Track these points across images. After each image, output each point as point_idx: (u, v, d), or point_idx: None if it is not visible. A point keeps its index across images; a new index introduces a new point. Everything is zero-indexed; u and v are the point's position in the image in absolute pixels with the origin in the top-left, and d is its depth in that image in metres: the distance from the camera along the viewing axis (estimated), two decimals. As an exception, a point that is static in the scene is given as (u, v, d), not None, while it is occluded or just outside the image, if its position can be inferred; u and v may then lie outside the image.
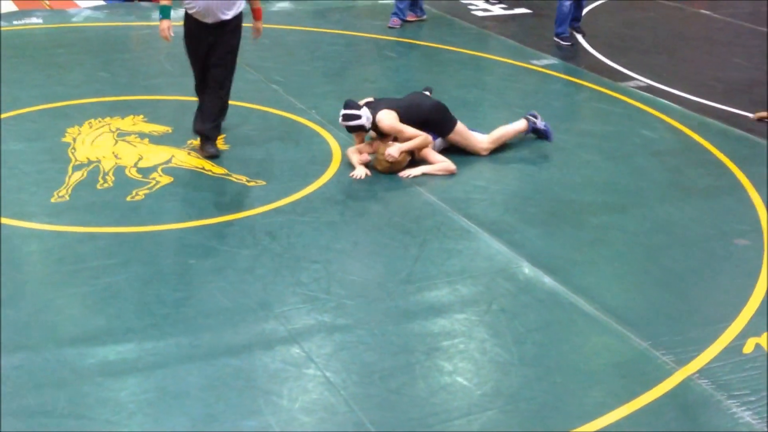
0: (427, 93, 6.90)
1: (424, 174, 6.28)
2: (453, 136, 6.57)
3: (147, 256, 5.09)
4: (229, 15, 6.34)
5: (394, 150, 6.20)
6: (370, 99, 6.66)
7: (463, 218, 5.68)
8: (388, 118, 6.30)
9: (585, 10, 11.54)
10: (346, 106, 6.34)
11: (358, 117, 6.26)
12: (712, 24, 11.33)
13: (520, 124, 6.87)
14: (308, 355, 4.27)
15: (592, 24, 10.98)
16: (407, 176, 6.23)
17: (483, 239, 5.45)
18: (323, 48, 9.51)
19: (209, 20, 6.27)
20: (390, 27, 10.29)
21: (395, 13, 10.39)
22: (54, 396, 3.89)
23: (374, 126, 6.32)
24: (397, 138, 6.32)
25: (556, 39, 10.05)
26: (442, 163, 6.34)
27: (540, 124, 6.95)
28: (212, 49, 6.40)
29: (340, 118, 6.36)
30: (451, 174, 6.31)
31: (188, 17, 6.41)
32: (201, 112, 6.53)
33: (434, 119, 6.50)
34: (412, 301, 4.77)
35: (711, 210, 5.98)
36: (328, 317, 4.58)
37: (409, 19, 10.48)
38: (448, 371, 4.22)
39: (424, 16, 10.67)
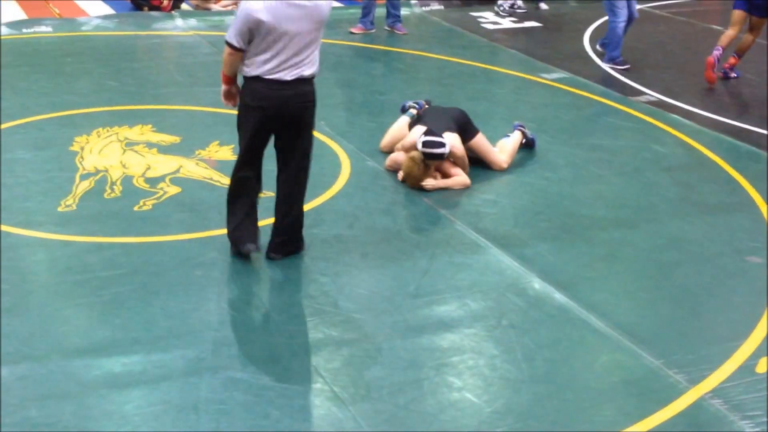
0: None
1: (445, 187, 6.25)
2: (474, 145, 6.53)
3: (154, 267, 5.05)
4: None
5: (431, 184, 6.19)
6: (415, 105, 6.72)
7: (472, 232, 5.63)
8: (460, 146, 6.29)
9: (595, 24, 11.53)
10: (429, 133, 6.18)
11: (443, 145, 6.13)
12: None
13: (518, 134, 6.87)
14: (316, 369, 4.22)
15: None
16: (431, 187, 6.19)
17: (493, 253, 5.40)
18: (332, 59, 9.48)
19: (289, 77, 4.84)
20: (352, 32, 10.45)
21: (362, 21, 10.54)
22: (58, 408, 3.84)
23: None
24: (454, 161, 6.29)
25: (610, 64, 9.63)
26: (460, 177, 6.32)
27: (528, 132, 6.98)
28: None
29: (422, 145, 6.10)
30: (465, 187, 6.29)
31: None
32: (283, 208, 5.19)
33: (463, 122, 6.50)
34: (421, 315, 4.72)
35: (723, 226, 5.92)
36: (336, 331, 4.53)
37: (355, 31, 10.47)
38: (458, 387, 4.16)
39: (373, 30, 10.62)
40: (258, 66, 4.80)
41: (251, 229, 5.12)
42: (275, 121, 4.91)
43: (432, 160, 6.13)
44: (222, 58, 4.95)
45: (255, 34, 4.71)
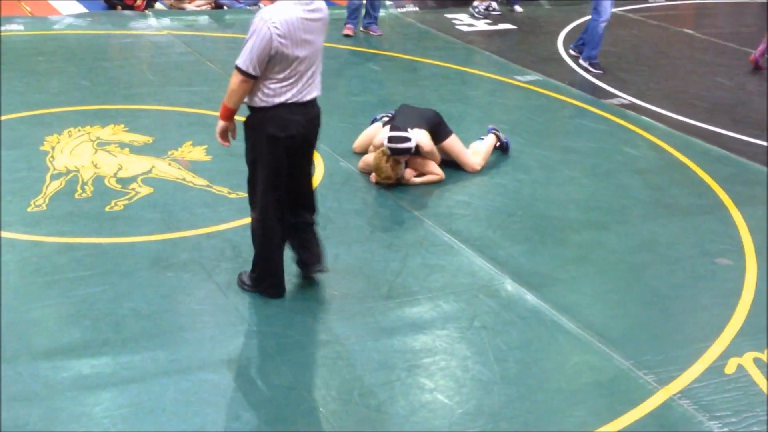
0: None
1: (421, 183, 6.35)
2: (447, 147, 6.55)
3: (125, 268, 5.01)
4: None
5: (409, 177, 6.31)
6: (388, 115, 6.72)
7: (445, 233, 5.64)
8: (428, 142, 6.31)
9: (569, 27, 11.60)
10: (394, 129, 6.22)
11: (408, 140, 6.14)
12: (695, 43, 11.39)
13: (492, 139, 6.90)
14: (288, 372, 4.20)
15: (576, 41, 11.01)
16: (410, 182, 6.32)
17: (465, 255, 5.41)
18: (307, 60, 9.46)
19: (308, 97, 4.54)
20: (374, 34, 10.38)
21: (370, 23, 10.51)
22: (26, 411, 3.80)
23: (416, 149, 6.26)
24: (424, 156, 6.33)
25: (584, 63, 9.75)
26: (434, 176, 6.39)
27: (502, 136, 7.02)
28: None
29: (387, 140, 6.14)
30: (440, 180, 6.37)
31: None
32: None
33: (436, 123, 6.52)
34: (393, 316, 4.72)
35: (693, 229, 5.97)
36: (308, 333, 4.52)
37: (349, 33, 10.46)
38: (429, 389, 4.16)
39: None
40: (284, 92, 4.38)
41: (281, 276, 4.79)
42: (299, 147, 4.55)
43: (399, 155, 6.15)
44: (229, 87, 4.42)
45: (275, 59, 4.30)
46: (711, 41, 11.45)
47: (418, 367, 4.31)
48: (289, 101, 4.41)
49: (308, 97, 4.48)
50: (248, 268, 5.07)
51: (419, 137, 6.26)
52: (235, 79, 4.37)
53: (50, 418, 3.78)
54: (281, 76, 4.36)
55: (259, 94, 4.40)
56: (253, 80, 4.35)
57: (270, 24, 4.23)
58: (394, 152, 6.13)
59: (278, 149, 4.49)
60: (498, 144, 6.97)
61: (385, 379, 4.20)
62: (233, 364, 4.22)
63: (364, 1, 10.65)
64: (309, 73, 4.44)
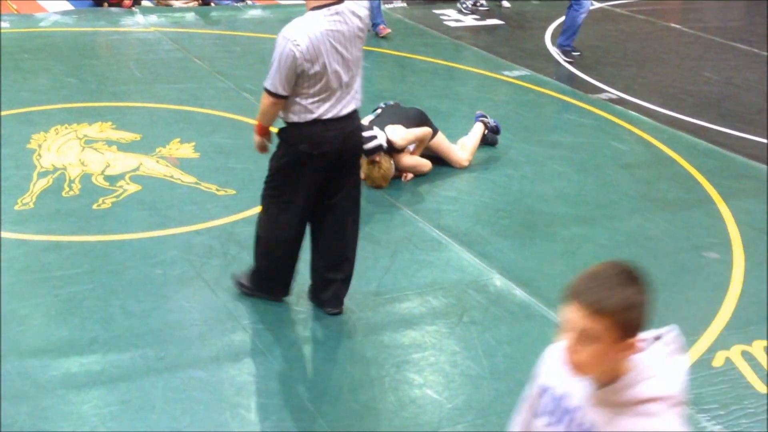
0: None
1: (411, 166, 6.41)
2: (434, 145, 6.55)
3: (113, 266, 5.00)
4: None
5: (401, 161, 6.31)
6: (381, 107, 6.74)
7: (434, 229, 5.65)
8: (403, 135, 6.28)
9: (556, 22, 11.61)
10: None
11: (374, 137, 6.10)
12: (682, 38, 11.42)
13: (479, 128, 6.90)
14: (276, 367, 4.20)
15: (564, 36, 11.02)
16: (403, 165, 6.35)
17: (454, 251, 5.41)
18: (295, 56, 9.45)
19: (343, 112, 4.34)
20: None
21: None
22: (15, 410, 3.79)
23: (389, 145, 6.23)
24: (401, 151, 6.33)
25: (560, 50, 9.90)
26: (425, 166, 6.41)
27: (491, 121, 7.02)
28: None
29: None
30: (427, 171, 6.44)
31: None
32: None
33: (420, 121, 6.52)
34: (382, 312, 4.72)
35: (681, 223, 5.99)
36: (298, 329, 4.52)
37: (384, 32, 10.37)
38: (419, 384, 4.17)
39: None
40: (317, 108, 4.19)
41: (287, 281, 4.63)
42: (334, 164, 4.34)
43: (371, 155, 6.12)
44: (260, 108, 4.33)
45: (303, 76, 4.13)
46: (698, 36, 11.48)
47: (407, 362, 4.32)
48: (324, 117, 4.21)
49: (345, 111, 4.27)
50: (237, 265, 5.07)
51: (391, 133, 6.24)
52: (266, 101, 4.24)
53: (39, 416, 3.77)
54: (312, 91, 4.17)
55: (293, 110, 4.23)
56: (283, 99, 4.20)
57: (291, 43, 4.07)
58: (365, 153, 6.10)
59: (309, 167, 4.28)
60: (486, 131, 6.95)
61: (375, 375, 4.20)
62: (222, 362, 4.22)
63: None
64: (344, 86, 4.23)
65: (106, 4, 10.97)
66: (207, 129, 7.10)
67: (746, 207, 6.25)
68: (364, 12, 4.31)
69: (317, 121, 4.22)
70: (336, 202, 4.45)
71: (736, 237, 5.78)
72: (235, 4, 11.47)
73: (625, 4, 13.13)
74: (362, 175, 6.22)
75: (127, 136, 6.83)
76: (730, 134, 7.79)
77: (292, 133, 4.31)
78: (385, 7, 11.76)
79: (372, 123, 6.41)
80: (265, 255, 4.57)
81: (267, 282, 4.64)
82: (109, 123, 7.06)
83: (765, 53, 10.65)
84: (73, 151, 6.48)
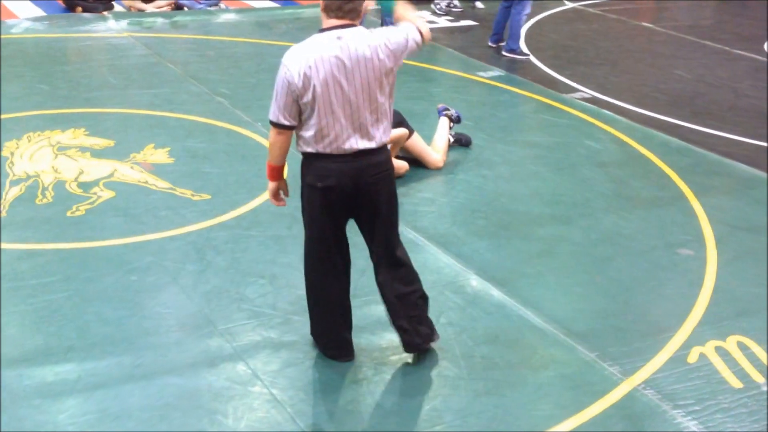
0: None
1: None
2: (410, 146, 6.56)
3: (88, 273, 4.97)
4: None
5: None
6: None
7: (410, 231, 5.65)
8: None
9: (530, 23, 11.67)
10: None
11: None
12: (654, 37, 11.52)
13: (445, 123, 6.93)
14: (254, 372, 4.19)
15: (537, 37, 11.09)
16: None
17: (431, 252, 5.42)
18: (269, 60, 9.43)
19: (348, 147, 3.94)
20: None
21: None
22: (-11, 420, 3.76)
23: None
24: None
25: (510, 54, 10.02)
26: (401, 168, 6.39)
27: (453, 112, 7.05)
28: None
29: None
30: (403, 173, 6.39)
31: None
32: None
33: (395, 122, 6.52)
34: (359, 315, 4.70)
35: (655, 220, 6.04)
36: (275, 333, 4.51)
37: None
38: (397, 386, 4.17)
39: None
40: (317, 141, 3.87)
41: (341, 339, 4.31)
42: (348, 201, 4.01)
43: None
44: (268, 142, 4.05)
45: (302, 103, 3.83)
46: (670, 34, 11.58)
47: (384, 364, 4.32)
48: (324, 151, 3.89)
49: (348, 147, 3.87)
50: (213, 271, 5.06)
51: None
52: (271, 132, 3.95)
53: (14, 427, 3.73)
54: (311, 122, 3.84)
55: (299, 141, 3.96)
56: (289, 130, 3.90)
57: (285, 67, 3.82)
58: None
59: (316, 200, 3.99)
60: (452, 125, 6.98)
61: (353, 378, 4.20)
62: (199, 367, 4.20)
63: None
64: (348, 121, 3.85)
65: (79, 8, 10.91)
66: (181, 134, 7.08)
67: (719, 204, 6.31)
68: (379, 41, 3.87)
69: (320, 155, 3.92)
70: (373, 249, 4.21)
71: (709, 233, 5.83)
72: (208, 8, 11.43)
73: (598, 4, 13.22)
74: None
75: (100, 142, 6.79)
76: (702, 131, 7.86)
77: (303, 163, 4.01)
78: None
79: None
80: (309, 303, 4.31)
81: (315, 333, 4.34)
82: (83, 129, 7.01)
83: (735, 51, 10.76)
84: (46, 158, 6.43)
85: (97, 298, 4.73)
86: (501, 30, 10.33)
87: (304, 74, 3.77)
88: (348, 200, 4.00)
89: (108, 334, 4.42)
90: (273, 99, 3.90)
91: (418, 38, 4.06)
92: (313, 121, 3.84)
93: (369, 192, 4.00)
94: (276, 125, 3.89)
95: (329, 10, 3.88)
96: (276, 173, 4.07)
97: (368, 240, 4.21)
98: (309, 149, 3.92)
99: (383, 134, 3.97)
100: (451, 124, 7.02)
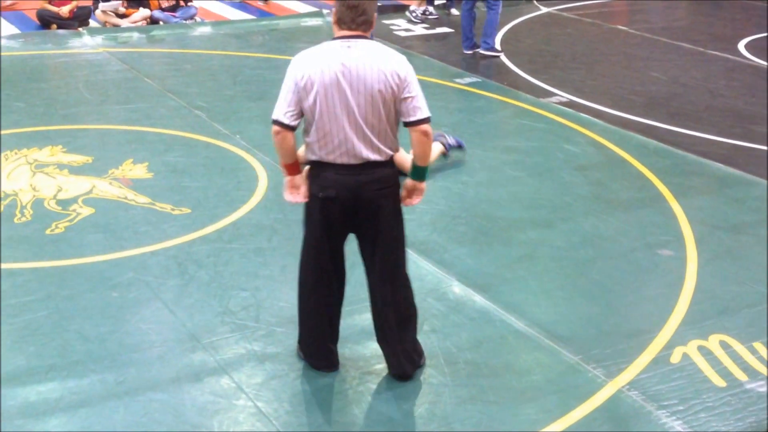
0: None
1: None
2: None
3: (68, 291, 4.94)
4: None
5: None
6: None
7: (391, 239, 5.65)
8: None
9: (505, 29, 11.73)
10: None
11: None
12: (629, 39, 11.60)
13: (438, 149, 6.87)
14: (238, 385, 4.18)
15: (513, 42, 11.15)
16: None
17: (412, 259, 5.41)
18: (246, 72, 9.44)
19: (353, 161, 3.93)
20: None
21: None
22: (-28, 442, 3.73)
23: None
24: None
25: (486, 53, 10.25)
26: None
27: (452, 140, 6.95)
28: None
29: None
30: None
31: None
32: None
33: None
34: (343, 324, 4.67)
35: (635, 222, 6.07)
36: (258, 346, 4.50)
37: None
38: (382, 395, 4.17)
39: None
40: (317, 149, 3.89)
41: (326, 349, 4.29)
42: (348, 215, 3.98)
43: None
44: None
45: (305, 106, 3.83)
46: (644, 36, 11.67)
47: (369, 373, 4.31)
48: (327, 159, 3.88)
49: (344, 160, 3.87)
50: (195, 285, 5.05)
51: None
52: (272, 132, 3.89)
53: (-3, 448, 3.71)
54: (315, 127, 3.84)
55: (307, 147, 3.95)
56: (287, 130, 3.84)
57: (292, 67, 3.85)
58: None
59: (316, 211, 3.99)
60: (445, 152, 6.91)
61: (338, 388, 4.19)
62: (183, 382, 4.18)
63: None
64: (354, 128, 3.82)
65: (54, 25, 10.87)
66: (160, 148, 7.06)
67: (697, 204, 6.35)
68: (392, 61, 3.84)
69: (322, 162, 3.91)
70: (370, 267, 4.14)
71: (689, 234, 5.87)
72: (184, 22, 11.41)
73: (573, 8, 13.31)
74: None
75: (78, 159, 6.76)
76: (679, 132, 7.92)
77: (307, 174, 4.02)
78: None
79: None
80: (299, 313, 4.29)
81: (302, 340, 4.33)
82: (60, 146, 6.98)
83: (710, 51, 10.86)
84: (23, 176, 6.40)
85: (78, 315, 4.70)
86: (472, 34, 10.43)
87: (309, 77, 3.78)
88: (348, 213, 3.97)
89: (90, 351, 4.39)
90: (278, 99, 3.88)
91: (427, 126, 3.92)
92: (317, 125, 3.84)
93: (370, 207, 3.96)
94: (275, 122, 3.86)
95: (342, 22, 3.89)
96: (291, 169, 4.00)
97: (368, 260, 4.14)
98: (313, 157, 3.93)
99: (389, 146, 3.93)
100: (444, 151, 6.93)
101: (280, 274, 5.22)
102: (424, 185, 4.13)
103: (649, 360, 4.45)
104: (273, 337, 4.57)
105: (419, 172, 4.08)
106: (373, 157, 3.89)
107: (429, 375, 4.31)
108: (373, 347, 4.50)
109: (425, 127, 3.91)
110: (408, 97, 3.86)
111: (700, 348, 4.58)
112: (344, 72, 3.78)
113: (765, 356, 4.52)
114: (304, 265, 4.18)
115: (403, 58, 3.95)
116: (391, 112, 3.88)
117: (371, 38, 3.97)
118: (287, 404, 4.07)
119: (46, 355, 4.34)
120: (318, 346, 4.29)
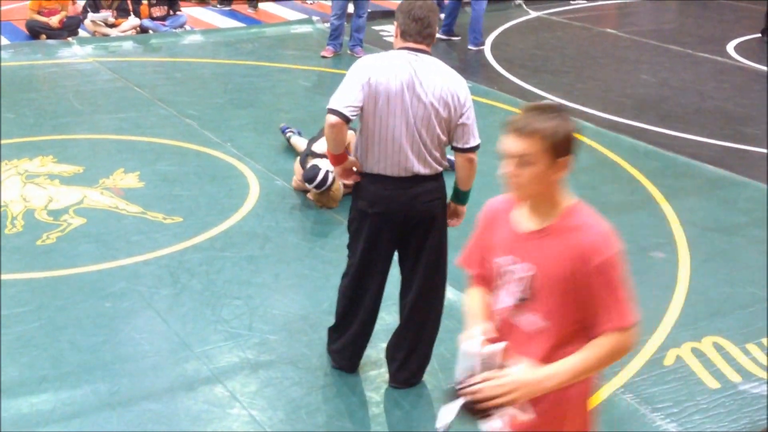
0: None
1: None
2: None
3: (60, 302, 4.92)
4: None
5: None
6: (293, 130, 6.69)
7: (384, 245, 5.65)
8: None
9: (496, 33, 11.76)
10: (303, 166, 6.18)
11: (318, 168, 5.99)
12: (618, 42, 11.63)
13: None
14: (232, 394, 4.17)
15: (504, 46, 11.17)
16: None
17: (405, 265, 5.41)
18: (236, 80, 9.43)
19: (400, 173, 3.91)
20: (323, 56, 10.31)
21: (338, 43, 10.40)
22: (-36, 455, 3.71)
23: None
24: None
25: (474, 48, 10.87)
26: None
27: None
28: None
29: (308, 183, 6.01)
30: None
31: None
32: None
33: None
34: (337, 332, 4.70)
35: (627, 224, 6.06)
36: (252, 354, 4.49)
37: (326, 54, 10.39)
38: (375, 402, 4.16)
39: (339, 51, 10.59)
40: (364, 158, 3.88)
41: (352, 356, 4.34)
42: (395, 228, 3.97)
43: (323, 186, 6.00)
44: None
45: (367, 109, 3.77)
46: (633, 39, 11.71)
47: (363, 381, 4.31)
48: (379, 170, 3.86)
49: (393, 172, 3.85)
50: (188, 294, 5.03)
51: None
52: (326, 122, 3.79)
53: (-10, 461, 3.69)
54: (364, 136, 3.84)
55: (359, 156, 3.92)
56: (343, 121, 3.74)
57: (358, 67, 3.83)
58: (319, 187, 6.04)
59: (367, 226, 3.98)
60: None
61: (331, 395, 4.19)
62: (176, 392, 4.17)
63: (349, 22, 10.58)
64: (403, 142, 3.80)
65: (43, 36, 10.84)
66: (150, 157, 7.04)
67: (689, 205, 6.37)
68: (455, 82, 3.82)
69: (370, 175, 3.89)
70: (411, 276, 4.13)
71: (681, 236, 5.88)
72: (174, 31, 11.40)
73: (562, 12, 13.34)
74: (311, 198, 6.23)
75: (69, 169, 6.74)
76: (669, 134, 7.95)
77: (355, 187, 4.01)
78: (324, 25, 11.80)
79: (312, 140, 6.43)
80: (336, 308, 4.34)
81: (332, 339, 4.38)
82: (50, 157, 6.96)
83: (699, 53, 10.90)
84: (14, 187, 6.37)
85: (70, 326, 4.68)
86: (451, 20, 11.23)
87: (378, 81, 3.75)
88: (397, 228, 3.97)
89: (83, 362, 4.38)
90: (340, 87, 3.82)
91: (475, 154, 3.92)
92: (373, 132, 3.82)
93: (425, 217, 3.97)
94: (335, 113, 3.74)
95: (407, 34, 3.87)
96: (339, 159, 3.93)
97: (407, 273, 4.14)
98: (365, 169, 3.90)
99: (438, 162, 3.92)
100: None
101: (272, 282, 5.21)
102: (464, 209, 4.15)
103: (642, 362, 4.46)
104: (266, 345, 4.57)
105: (461, 196, 4.11)
106: (423, 171, 3.88)
107: (424, 381, 4.30)
108: (367, 353, 4.49)
109: (473, 155, 3.92)
110: (464, 124, 3.85)
111: (694, 350, 4.59)
112: (410, 83, 3.77)
113: (759, 357, 4.53)
114: (349, 281, 4.17)
115: (464, 81, 3.93)
116: (443, 131, 3.85)
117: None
118: (281, 412, 4.07)
119: (39, 366, 4.33)
120: (354, 349, 4.32)
